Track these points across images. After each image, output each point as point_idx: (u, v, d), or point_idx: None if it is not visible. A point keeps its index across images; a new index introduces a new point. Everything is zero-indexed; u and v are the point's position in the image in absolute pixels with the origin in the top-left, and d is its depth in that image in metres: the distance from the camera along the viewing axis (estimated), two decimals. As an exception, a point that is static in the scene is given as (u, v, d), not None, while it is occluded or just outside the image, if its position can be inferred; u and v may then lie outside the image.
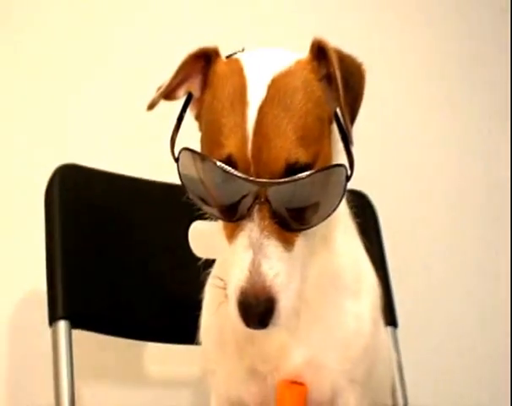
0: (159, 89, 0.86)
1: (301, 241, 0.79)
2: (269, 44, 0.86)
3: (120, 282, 1.30)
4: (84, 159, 1.32)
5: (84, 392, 1.39)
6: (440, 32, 1.94)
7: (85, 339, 1.25)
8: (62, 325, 1.17)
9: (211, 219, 0.94)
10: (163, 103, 0.88)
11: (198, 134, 0.85)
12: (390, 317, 1.41)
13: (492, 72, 1.98)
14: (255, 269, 0.75)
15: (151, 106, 0.87)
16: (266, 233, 0.76)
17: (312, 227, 0.79)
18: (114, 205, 1.33)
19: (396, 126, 1.82)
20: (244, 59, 0.82)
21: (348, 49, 0.83)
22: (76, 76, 1.53)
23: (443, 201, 1.87)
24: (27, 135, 1.47)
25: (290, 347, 0.91)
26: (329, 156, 0.82)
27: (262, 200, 0.76)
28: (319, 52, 0.82)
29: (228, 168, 0.75)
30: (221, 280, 0.80)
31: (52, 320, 1.18)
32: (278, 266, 0.76)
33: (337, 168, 0.78)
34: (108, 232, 1.31)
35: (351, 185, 0.80)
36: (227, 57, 0.86)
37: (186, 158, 0.80)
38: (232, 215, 0.78)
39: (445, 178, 1.88)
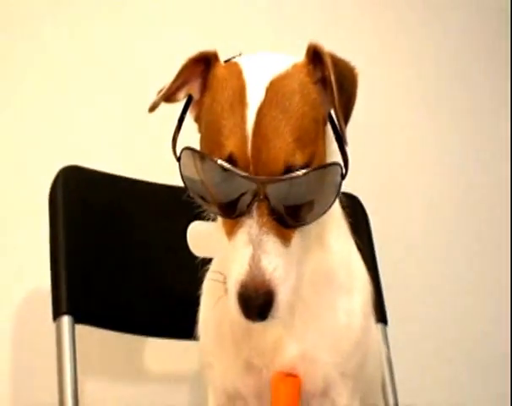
0: (160, 92, 0.87)
1: (297, 238, 0.80)
2: (264, 48, 0.86)
3: (121, 280, 1.30)
4: (87, 161, 1.32)
5: (86, 385, 1.39)
6: (439, 32, 1.95)
7: (87, 335, 1.25)
8: (66, 320, 1.17)
9: (209, 219, 0.95)
10: (164, 106, 0.88)
11: (196, 136, 0.85)
12: (380, 315, 1.41)
13: (492, 71, 1.99)
14: (255, 263, 0.75)
15: (152, 109, 0.87)
16: (265, 230, 0.76)
17: (309, 223, 0.81)
18: (115, 205, 1.33)
19: (387, 129, 1.83)
20: (243, 63, 0.83)
21: (342, 51, 0.84)
22: (79, 79, 1.53)
23: (435, 202, 1.87)
24: (32, 138, 1.47)
25: (284, 341, 0.91)
26: (324, 156, 0.83)
27: (261, 197, 0.77)
28: (315, 56, 0.83)
29: (229, 166, 0.76)
30: (221, 274, 0.81)
31: (56, 315, 1.18)
32: (276, 260, 0.76)
33: (333, 167, 0.79)
34: (110, 231, 1.31)
35: (342, 188, 0.81)
36: (225, 61, 0.86)
37: (187, 157, 0.81)
38: (232, 212, 0.78)
39: (437, 180, 1.88)
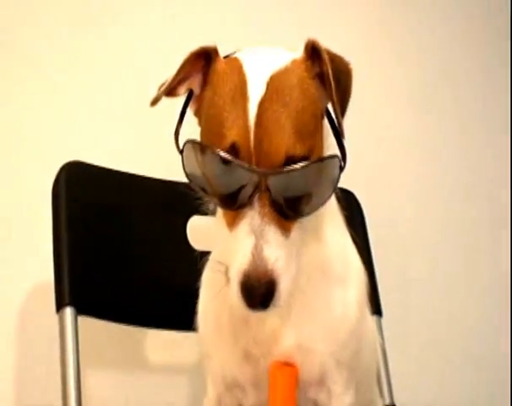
0: (161, 86, 0.87)
1: (296, 230, 0.80)
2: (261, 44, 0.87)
3: (122, 272, 1.30)
4: (89, 157, 1.32)
5: (88, 375, 1.39)
6: (438, 31, 1.95)
7: (90, 327, 1.25)
8: (69, 311, 1.17)
9: (207, 213, 0.95)
10: (164, 103, 0.88)
11: (192, 132, 0.85)
12: (375, 306, 1.42)
13: (491, 68, 1.99)
14: (258, 253, 0.75)
15: (154, 102, 0.87)
16: (267, 220, 0.77)
17: (308, 214, 0.81)
18: (116, 200, 1.33)
19: (381, 126, 1.83)
20: (243, 58, 0.83)
21: (344, 47, 0.84)
22: (82, 76, 1.52)
23: (429, 197, 1.87)
24: (35, 134, 1.47)
25: (281, 331, 0.91)
26: (322, 150, 0.83)
27: (262, 188, 0.77)
28: (312, 52, 0.83)
29: (232, 158, 0.76)
30: (222, 265, 0.80)
31: (59, 307, 1.18)
32: (278, 251, 0.77)
33: (332, 159, 0.80)
34: (111, 225, 1.31)
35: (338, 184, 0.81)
36: (224, 57, 0.86)
37: (190, 150, 0.81)
38: (233, 203, 0.78)
39: (431, 175, 1.88)
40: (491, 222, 1.93)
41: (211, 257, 0.97)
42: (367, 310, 1.01)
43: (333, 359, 0.93)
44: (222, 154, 0.77)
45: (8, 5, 1.49)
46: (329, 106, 0.85)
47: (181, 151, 0.82)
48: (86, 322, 1.22)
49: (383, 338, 1.41)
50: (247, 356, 0.93)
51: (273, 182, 0.77)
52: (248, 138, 0.77)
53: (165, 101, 0.89)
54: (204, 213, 0.96)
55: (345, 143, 0.83)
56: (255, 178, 0.77)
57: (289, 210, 0.79)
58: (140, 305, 1.31)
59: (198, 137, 0.83)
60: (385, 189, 1.80)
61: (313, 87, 0.83)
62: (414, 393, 1.64)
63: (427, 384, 1.77)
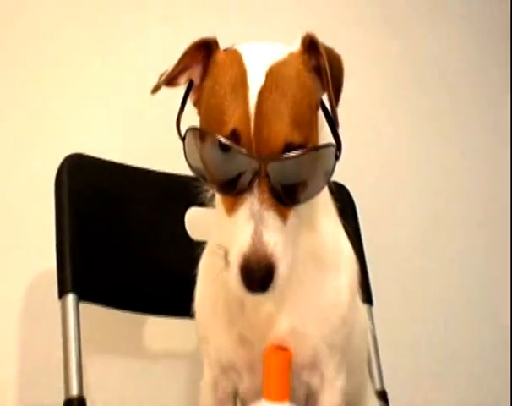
0: (162, 75, 0.87)
1: (292, 217, 0.80)
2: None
3: (123, 261, 1.30)
4: (91, 149, 1.32)
5: (89, 360, 1.38)
6: (437, 30, 1.94)
7: (91, 314, 1.25)
8: (71, 297, 1.17)
9: (202, 204, 0.95)
10: (166, 98, 0.89)
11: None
12: (366, 295, 1.41)
13: (491, 68, 1.98)
14: (257, 237, 0.75)
15: (155, 90, 0.87)
16: (266, 206, 0.77)
17: (305, 201, 0.81)
18: (117, 191, 1.33)
19: (374, 122, 1.83)
20: (242, 50, 0.83)
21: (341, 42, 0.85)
22: (84, 71, 1.52)
23: (422, 189, 1.87)
24: (40, 127, 1.47)
25: (276, 317, 0.91)
26: (317, 140, 0.84)
27: (262, 175, 0.77)
28: (310, 45, 0.84)
29: (233, 144, 0.77)
30: (221, 248, 0.80)
31: (62, 293, 1.18)
32: (276, 236, 0.77)
33: (329, 148, 0.80)
34: (112, 215, 1.31)
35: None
36: (223, 50, 0.86)
37: (192, 137, 0.81)
38: (233, 189, 0.78)
39: (424, 170, 1.89)
40: (484, 211, 1.93)
41: (210, 242, 0.96)
42: (358, 297, 1.01)
43: (325, 343, 0.93)
44: (223, 140, 0.77)
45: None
46: (323, 99, 0.86)
47: (183, 138, 0.82)
48: (88, 308, 1.22)
49: (373, 326, 1.41)
50: (243, 340, 0.93)
51: (272, 168, 0.77)
52: (249, 125, 0.77)
53: (165, 94, 0.89)
54: (202, 204, 0.96)
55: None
56: (255, 164, 0.77)
57: (287, 196, 0.79)
58: (140, 292, 1.31)
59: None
60: (378, 182, 1.80)
61: (309, 79, 0.83)
62: (405, 381, 1.64)
63: (417, 372, 1.77)
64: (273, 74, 0.79)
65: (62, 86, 1.50)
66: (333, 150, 0.80)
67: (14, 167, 1.44)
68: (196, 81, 0.87)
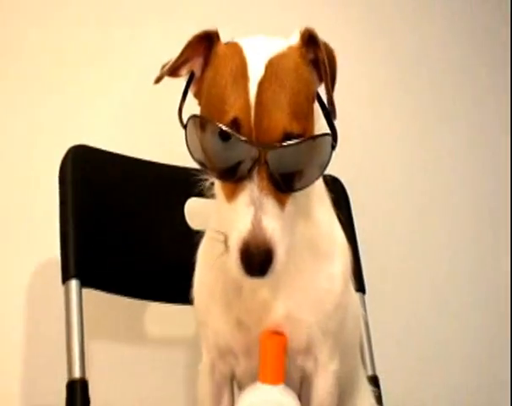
0: (164, 66, 0.87)
1: (290, 204, 0.81)
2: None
3: (124, 248, 1.30)
4: (94, 141, 1.32)
5: (91, 345, 1.38)
6: (437, 29, 1.95)
7: (93, 299, 1.25)
8: (74, 283, 1.17)
9: (204, 196, 0.95)
10: (166, 94, 0.89)
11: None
12: (359, 284, 1.41)
13: (473, 64, 1.98)
14: (257, 223, 0.76)
15: (157, 81, 0.87)
16: (265, 193, 0.77)
17: (302, 189, 0.81)
18: (119, 181, 1.33)
19: (369, 118, 1.83)
20: (242, 43, 0.84)
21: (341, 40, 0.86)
22: (89, 65, 1.51)
23: (411, 182, 1.87)
24: (45, 120, 1.47)
25: (272, 302, 0.92)
26: (313, 131, 0.84)
27: (262, 162, 0.77)
28: (308, 39, 0.84)
29: (234, 132, 0.77)
30: (221, 234, 0.80)
31: (65, 279, 1.18)
32: (275, 222, 0.77)
33: (326, 137, 0.81)
34: (114, 204, 1.31)
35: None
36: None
37: (194, 125, 0.81)
38: (233, 176, 0.79)
39: (417, 165, 1.89)
40: (472, 203, 1.93)
41: (209, 229, 0.96)
42: (350, 284, 1.01)
43: (319, 328, 0.93)
44: (225, 128, 0.77)
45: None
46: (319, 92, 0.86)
47: (184, 126, 0.82)
48: (90, 294, 1.22)
49: (366, 314, 1.41)
50: (240, 325, 0.93)
51: (271, 156, 0.77)
52: (249, 114, 0.77)
53: (166, 89, 0.89)
54: (201, 195, 0.96)
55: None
56: (254, 152, 0.77)
57: (285, 184, 0.79)
58: (141, 279, 1.31)
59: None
60: (370, 176, 1.80)
61: (307, 72, 0.84)
62: (396, 367, 1.64)
63: (408, 359, 1.77)
64: (272, 66, 0.80)
65: (67, 81, 1.49)
66: (329, 139, 0.81)
67: (20, 159, 1.44)
68: (197, 73, 0.87)
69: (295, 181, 0.80)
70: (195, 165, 0.85)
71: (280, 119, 0.77)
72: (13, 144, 1.44)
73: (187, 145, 0.81)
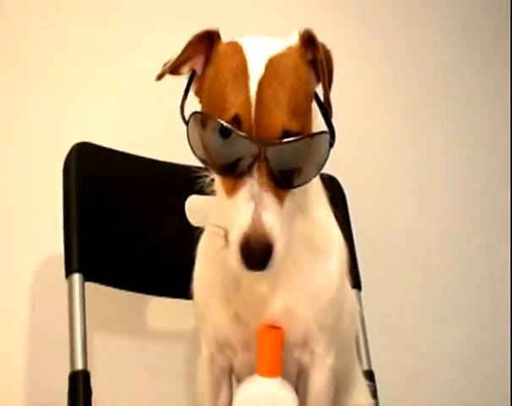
0: (166, 64, 0.87)
1: (289, 200, 0.81)
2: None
3: (126, 243, 1.30)
4: (97, 138, 1.32)
5: (94, 337, 1.39)
6: (437, 29, 1.94)
7: (96, 293, 1.25)
8: (77, 277, 1.18)
9: (204, 194, 0.95)
10: (168, 93, 0.89)
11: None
12: (355, 281, 1.41)
13: (464, 64, 1.98)
14: (257, 218, 0.76)
15: (159, 78, 0.87)
16: (265, 189, 0.77)
17: (301, 185, 0.82)
18: (122, 178, 1.33)
19: (364, 117, 1.83)
20: (243, 42, 0.84)
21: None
22: (92, 63, 1.51)
23: (408, 181, 1.87)
24: (50, 117, 1.47)
25: (269, 297, 0.92)
26: (311, 129, 0.84)
27: (262, 159, 0.77)
28: (307, 40, 0.85)
29: (235, 129, 0.77)
30: (221, 228, 0.81)
31: (68, 273, 1.18)
32: (274, 217, 0.77)
33: (324, 135, 0.81)
34: (116, 200, 1.31)
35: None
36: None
37: (196, 121, 0.81)
38: (233, 171, 0.79)
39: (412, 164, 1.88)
40: (468, 202, 1.93)
41: (209, 225, 0.96)
42: (346, 280, 1.02)
43: (316, 323, 0.93)
44: (226, 124, 0.77)
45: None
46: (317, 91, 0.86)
47: (186, 123, 0.82)
48: (92, 288, 1.22)
49: (362, 310, 1.41)
50: (238, 319, 0.93)
51: (271, 153, 0.77)
52: (250, 111, 0.77)
53: (167, 89, 0.89)
54: (201, 192, 0.96)
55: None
56: (255, 148, 0.77)
57: (284, 180, 0.79)
58: (142, 274, 1.31)
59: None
60: (366, 175, 1.80)
61: (305, 72, 0.84)
62: (390, 362, 1.65)
63: (403, 355, 1.77)
64: (272, 65, 0.80)
65: (72, 81, 1.49)
66: (327, 137, 0.81)
67: (25, 155, 1.44)
68: (198, 71, 0.88)
69: (294, 177, 0.80)
70: (195, 163, 0.86)
71: (280, 117, 0.78)
72: (19, 141, 1.44)
73: (189, 142, 0.81)
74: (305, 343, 0.94)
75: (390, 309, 1.75)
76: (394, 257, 1.79)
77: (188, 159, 0.84)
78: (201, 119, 0.81)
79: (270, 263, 0.77)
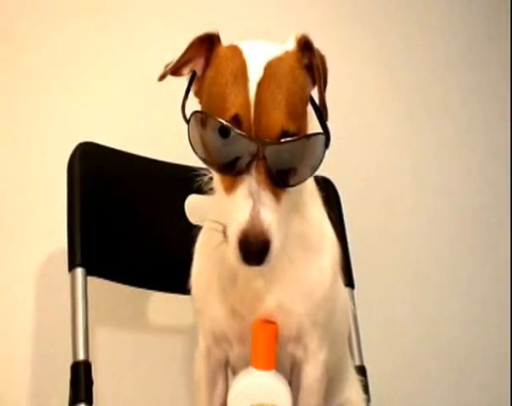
0: (167, 65, 0.88)
1: (285, 199, 0.82)
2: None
3: (128, 240, 1.31)
4: (101, 138, 1.32)
5: (95, 331, 1.39)
6: (437, 29, 1.94)
7: (98, 288, 1.26)
8: (79, 271, 1.18)
9: (203, 193, 0.96)
10: (169, 96, 0.89)
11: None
12: (348, 279, 1.42)
13: (460, 64, 1.97)
14: (255, 214, 0.77)
15: (161, 78, 0.88)
16: (263, 187, 0.78)
17: (297, 184, 0.83)
18: (124, 177, 1.34)
19: (361, 120, 1.83)
20: (242, 45, 0.85)
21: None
22: (94, 64, 1.52)
23: (401, 182, 1.86)
24: (55, 117, 1.47)
25: (264, 293, 0.92)
26: (307, 130, 0.85)
27: (260, 157, 0.78)
28: (303, 45, 0.86)
29: (235, 128, 0.78)
30: (220, 224, 0.81)
31: (71, 267, 1.19)
32: (271, 214, 0.78)
33: (320, 136, 0.82)
34: (119, 198, 1.31)
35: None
36: None
37: (196, 120, 0.82)
38: (232, 169, 0.80)
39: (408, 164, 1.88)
40: (467, 199, 1.93)
41: (207, 222, 0.97)
42: (339, 277, 1.02)
43: (309, 318, 0.94)
44: (226, 123, 0.78)
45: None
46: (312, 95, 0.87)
47: (187, 121, 0.82)
48: (95, 282, 1.22)
49: (355, 308, 1.41)
50: (234, 313, 0.94)
51: (269, 152, 0.78)
52: (249, 112, 0.78)
53: (168, 91, 0.89)
54: (200, 191, 0.97)
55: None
56: (253, 147, 0.78)
57: (282, 178, 0.80)
58: (143, 269, 1.32)
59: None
60: (360, 177, 1.80)
61: (302, 75, 0.85)
62: (382, 358, 1.65)
63: (394, 351, 1.77)
64: (271, 68, 0.81)
65: (75, 82, 1.49)
66: (322, 138, 0.82)
67: (31, 154, 1.44)
68: (198, 72, 0.88)
69: (290, 177, 0.81)
70: (195, 163, 0.86)
71: (279, 118, 0.78)
72: (24, 140, 1.44)
73: (190, 140, 0.82)
74: (298, 338, 0.95)
75: (382, 306, 1.75)
76: (387, 257, 1.79)
77: (188, 159, 0.85)
78: (202, 118, 0.81)
79: (267, 258, 0.78)
